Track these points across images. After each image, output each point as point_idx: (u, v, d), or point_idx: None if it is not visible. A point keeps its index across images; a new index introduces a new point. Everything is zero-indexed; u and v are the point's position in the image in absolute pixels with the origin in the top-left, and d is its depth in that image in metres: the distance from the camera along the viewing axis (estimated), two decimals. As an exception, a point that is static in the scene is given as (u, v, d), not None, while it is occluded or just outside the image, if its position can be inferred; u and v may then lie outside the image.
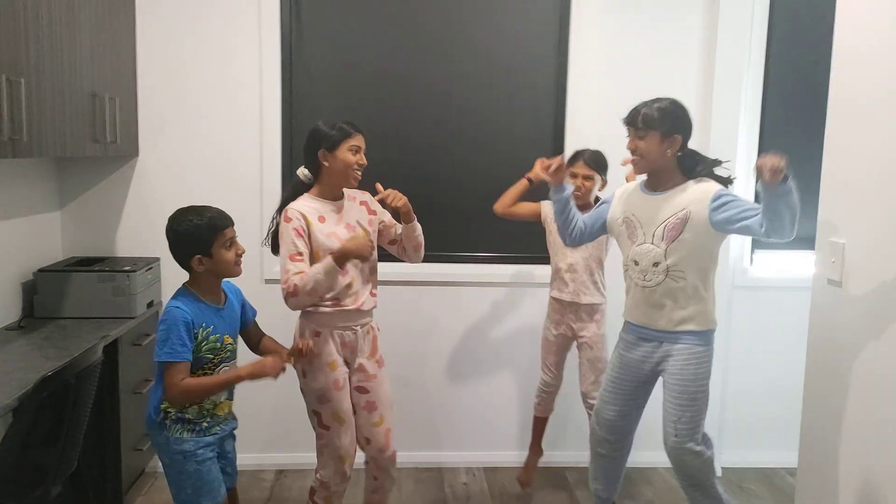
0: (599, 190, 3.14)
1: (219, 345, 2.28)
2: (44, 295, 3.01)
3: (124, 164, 3.40)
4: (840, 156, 2.25)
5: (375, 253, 2.70)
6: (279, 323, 3.53)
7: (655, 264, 2.42)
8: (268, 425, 3.62)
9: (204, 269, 2.24)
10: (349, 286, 2.59)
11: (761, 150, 3.67)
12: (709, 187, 2.43)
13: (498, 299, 3.66)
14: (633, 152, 2.46)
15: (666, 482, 3.60)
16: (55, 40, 2.58)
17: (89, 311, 3.01)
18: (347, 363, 2.68)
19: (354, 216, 2.67)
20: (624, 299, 2.64)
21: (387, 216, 2.76)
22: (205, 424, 2.29)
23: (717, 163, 2.53)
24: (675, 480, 3.60)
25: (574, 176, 3.05)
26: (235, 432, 2.47)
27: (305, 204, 2.59)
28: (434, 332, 3.62)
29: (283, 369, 2.33)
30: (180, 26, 3.36)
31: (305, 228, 2.54)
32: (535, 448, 3.43)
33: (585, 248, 3.08)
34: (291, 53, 3.48)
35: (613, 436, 2.70)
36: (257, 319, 2.56)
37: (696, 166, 2.49)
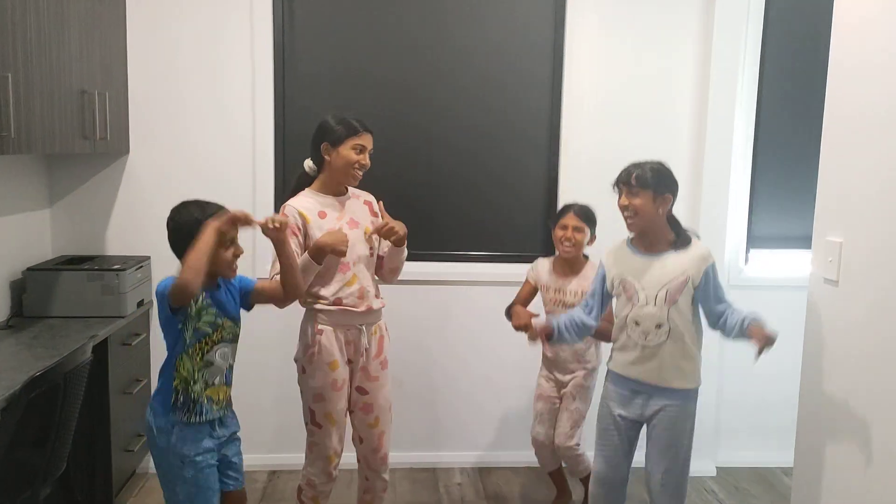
0: (588, 244, 3.05)
1: (219, 321, 2.23)
2: (33, 294, 2.98)
3: (114, 161, 3.37)
4: (837, 154, 2.24)
5: (376, 253, 2.68)
6: (275, 321, 3.52)
7: (658, 326, 2.45)
8: (260, 426, 3.59)
9: None
10: (349, 284, 2.57)
11: (756, 149, 3.67)
12: (706, 254, 2.49)
13: (492, 298, 3.63)
14: (625, 209, 2.47)
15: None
16: (43, 35, 2.54)
17: (79, 310, 2.97)
18: (351, 362, 2.65)
19: (358, 213, 2.65)
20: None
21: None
22: (203, 411, 2.21)
23: (695, 234, 2.57)
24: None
25: (564, 228, 3.00)
26: (239, 435, 2.40)
27: (305, 200, 2.60)
28: (428, 333, 3.60)
29: (233, 220, 2.14)
30: (171, 22, 3.33)
31: (301, 226, 2.54)
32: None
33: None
34: (284, 50, 3.45)
35: (607, 487, 2.69)
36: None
37: (680, 231, 2.53)
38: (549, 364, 3.13)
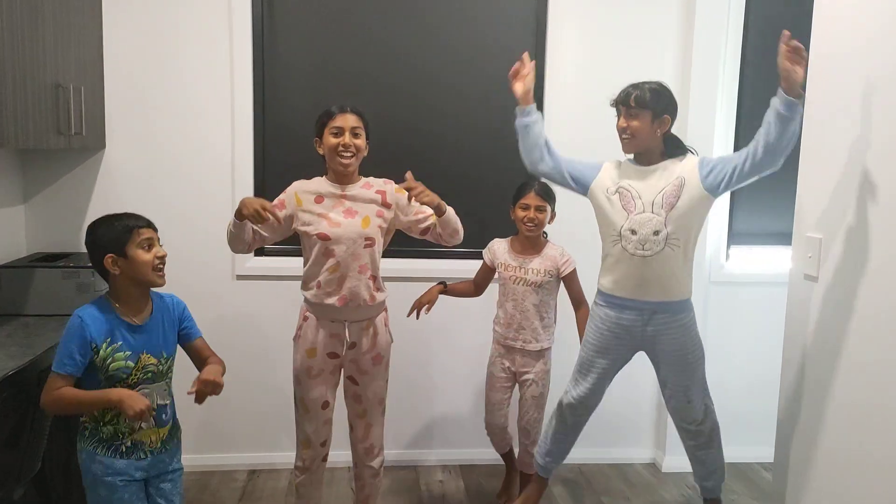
0: (549, 222, 3.05)
1: (132, 364, 2.11)
2: (6, 291, 2.93)
3: (90, 156, 3.32)
4: (817, 151, 2.24)
5: (378, 247, 2.64)
6: (248, 321, 3.50)
7: (656, 233, 2.45)
8: (240, 425, 3.56)
9: (119, 270, 2.10)
10: (332, 271, 2.57)
11: (737, 141, 3.68)
12: (694, 158, 2.55)
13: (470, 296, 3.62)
14: (623, 131, 2.49)
15: (643, 478, 3.60)
16: (16, 29, 2.49)
17: (53, 308, 2.92)
18: (337, 355, 2.65)
19: (362, 204, 2.63)
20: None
21: (413, 208, 2.67)
22: (124, 449, 2.13)
23: (694, 151, 2.64)
24: (651, 477, 3.62)
25: (526, 208, 2.99)
26: (178, 468, 2.30)
27: (312, 184, 2.68)
28: (408, 330, 3.57)
29: (145, 413, 2.00)
30: (148, 15, 3.28)
31: (290, 202, 2.65)
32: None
33: (525, 301, 3.00)
34: (263, 44, 3.41)
35: (583, 410, 2.75)
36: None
37: (678, 148, 2.57)
38: (506, 350, 3.09)
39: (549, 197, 3.02)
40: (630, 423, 3.78)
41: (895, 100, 1.90)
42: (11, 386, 2.17)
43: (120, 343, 2.10)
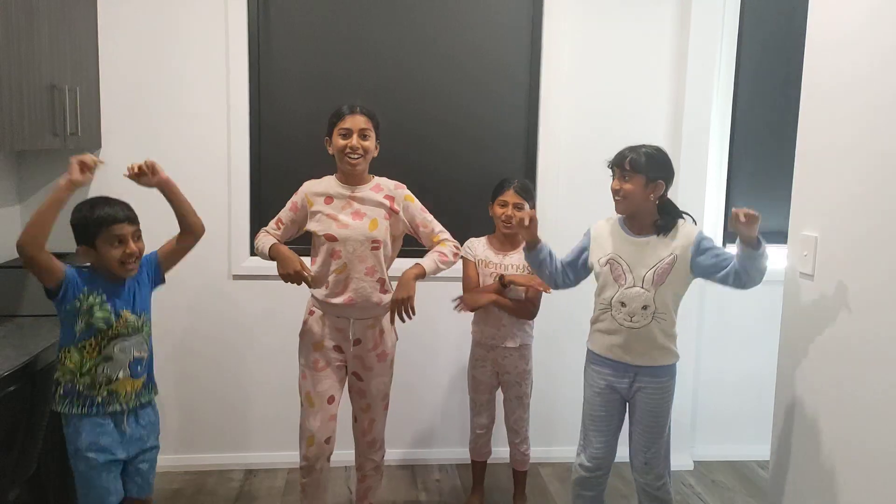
0: None
1: (113, 319, 2.24)
2: (1, 292, 2.92)
3: (86, 157, 3.31)
4: (812, 149, 2.25)
5: (386, 250, 2.67)
6: (245, 320, 3.50)
7: (644, 307, 2.45)
8: (237, 425, 3.56)
9: (90, 260, 2.25)
10: (339, 272, 2.60)
11: (732, 146, 3.69)
12: (690, 230, 2.50)
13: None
14: (616, 192, 2.48)
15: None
16: (12, 30, 2.49)
17: (48, 308, 2.87)
18: (342, 350, 2.69)
19: (370, 206, 2.65)
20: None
21: (417, 220, 2.73)
22: (100, 400, 2.23)
23: (690, 217, 2.59)
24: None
25: (504, 205, 2.99)
26: (155, 445, 2.44)
27: (322, 184, 2.70)
28: (402, 329, 3.58)
29: (86, 163, 2.17)
30: (143, 16, 3.27)
31: (302, 205, 2.69)
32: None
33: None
34: (259, 43, 3.40)
35: (601, 470, 2.68)
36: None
37: (672, 219, 2.52)
38: (486, 350, 3.08)
39: (527, 194, 3.02)
40: (627, 422, 3.77)
41: (889, 99, 1.90)
42: (6, 387, 2.16)
43: (103, 296, 2.23)
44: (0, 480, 2.25)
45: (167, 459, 3.46)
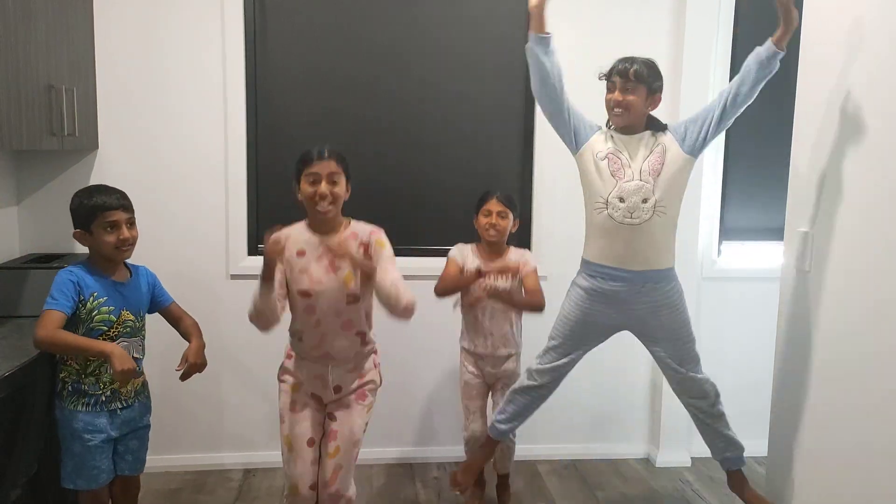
0: (512, 230, 3.05)
1: (114, 318, 2.33)
2: (0, 293, 2.92)
3: (83, 157, 3.31)
4: (808, 146, 2.26)
5: (364, 304, 2.51)
6: (243, 320, 3.47)
7: (645, 200, 2.42)
8: (236, 424, 3.56)
9: (86, 244, 2.35)
10: (316, 327, 2.47)
11: (728, 142, 3.70)
12: (671, 126, 2.55)
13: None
14: (617, 104, 2.44)
15: (636, 473, 3.62)
16: (9, 30, 2.49)
17: (48, 309, 2.92)
18: (320, 399, 2.56)
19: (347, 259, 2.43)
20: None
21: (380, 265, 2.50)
22: (103, 398, 2.35)
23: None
24: (645, 471, 3.63)
25: (488, 214, 2.98)
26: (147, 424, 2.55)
27: (294, 232, 2.48)
28: (400, 328, 3.58)
29: (130, 373, 2.18)
30: (140, 16, 3.27)
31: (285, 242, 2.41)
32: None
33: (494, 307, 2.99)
34: (255, 43, 3.40)
35: (552, 378, 2.70)
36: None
37: (657, 124, 2.56)
38: (476, 358, 3.09)
39: (511, 204, 3.02)
40: (624, 418, 3.79)
41: (884, 95, 1.91)
42: (6, 388, 2.16)
43: (105, 298, 2.32)
44: (1, 481, 2.24)
45: (166, 459, 3.47)
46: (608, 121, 2.59)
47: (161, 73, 3.32)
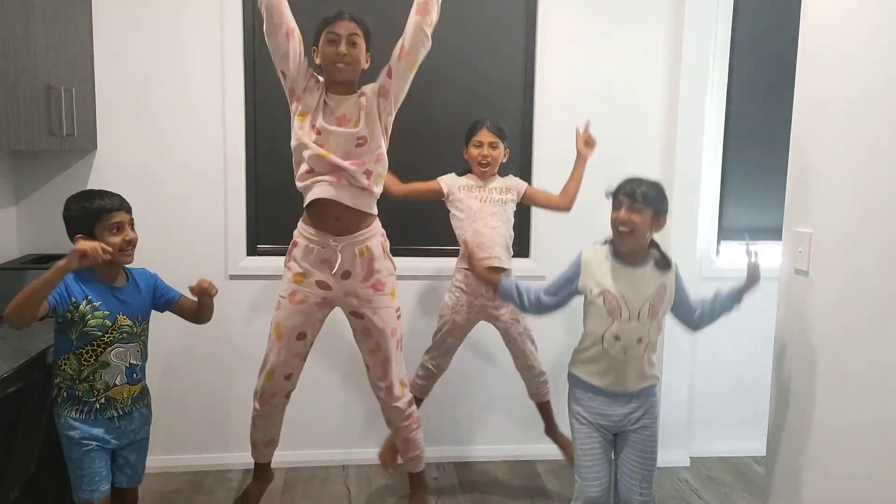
0: (503, 160, 3.06)
1: (108, 323, 2.25)
2: (-1, 294, 2.92)
3: (82, 157, 3.31)
4: (806, 145, 2.26)
5: (375, 143, 2.55)
6: (242, 320, 3.50)
7: (639, 340, 2.42)
8: (235, 425, 3.56)
9: None
10: (320, 157, 2.47)
11: (727, 142, 3.70)
12: (674, 264, 2.51)
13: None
14: (623, 224, 2.38)
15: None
16: (8, 31, 2.49)
17: (46, 309, 2.91)
18: (329, 287, 2.52)
19: (350, 109, 2.53)
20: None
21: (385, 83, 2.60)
22: (98, 406, 2.28)
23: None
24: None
25: (479, 145, 3.00)
26: (145, 436, 2.46)
27: (313, 95, 2.55)
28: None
29: (96, 249, 2.10)
30: (139, 16, 3.27)
31: (306, 77, 2.55)
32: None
33: (494, 219, 3.01)
34: (255, 43, 3.40)
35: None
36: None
37: (660, 249, 2.50)
38: (472, 299, 3.04)
39: (501, 133, 3.03)
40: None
41: (883, 94, 1.91)
42: (5, 388, 2.16)
43: (99, 303, 2.25)
44: (0, 483, 2.25)
45: (165, 460, 3.47)
46: (608, 240, 2.52)
47: (160, 73, 3.32)
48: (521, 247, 3.56)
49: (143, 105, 3.32)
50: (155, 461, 3.29)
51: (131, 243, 2.32)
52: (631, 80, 3.59)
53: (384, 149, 2.60)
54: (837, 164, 2.09)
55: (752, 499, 3.40)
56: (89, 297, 2.24)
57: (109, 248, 2.18)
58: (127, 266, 2.40)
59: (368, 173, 2.54)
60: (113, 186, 3.29)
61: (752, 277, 2.40)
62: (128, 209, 2.36)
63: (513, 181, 3.13)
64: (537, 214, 3.62)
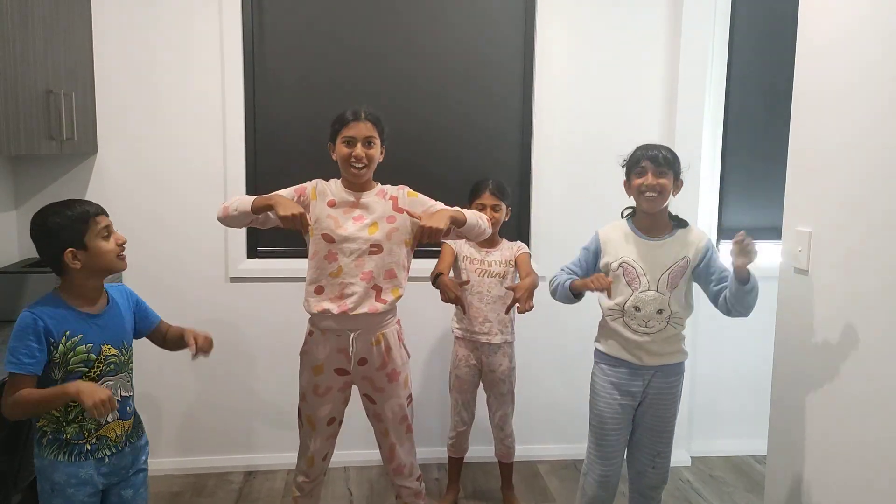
0: (505, 219, 3.08)
1: (94, 356, 2.01)
2: (-1, 297, 2.92)
3: (82, 161, 3.31)
4: (805, 144, 2.26)
5: (393, 256, 2.52)
6: (242, 323, 3.50)
7: (660, 311, 2.43)
8: (236, 427, 3.56)
9: (80, 264, 1.98)
10: (334, 275, 2.47)
11: (726, 141, 3.70)
12: (702, 234, 2.52)
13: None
14: (651, 188, 2.41)
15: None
16: (7, 35, 2.49)
17: (47, 313, 2.91)
18: (346, 372, 2.55)
19: (373, 212, 2.52)
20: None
21: (427, 203, 2.60)
22: (88, 447, 2.02)
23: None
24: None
25: (482, 208, 3.00)
26: (144, 467, 2.21)
27: (330, 185, 2.57)
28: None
29: (106, 403, 1.85)
30: (138, 19, 3.27)
31: (307, 195, 2.53)
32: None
33: (490, 294, 3.02)
34: (254, 49, 3.41)
35: (611, 490, 2.61)
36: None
37: (678, 219, 2.54)
38: (469, 351, 3.11)
39: (503, 195, 3.05)
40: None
41: (883, 93, 1.92)
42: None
43: (80, 336, 1.99)
44: (2, 486, 2.24)
45: (166, 462, 3.47)
46: (624, 211, 2.57)
47: (159, 78, 3.32)
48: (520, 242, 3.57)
49: (142, 109, 3.32)
50: (157, 464, 3.29)
51: (123, 246, 2.10)
52: (629, 80, 3.59)
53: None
54: (838, 162, 2.09)
55: (753, 498, 3.40)
56: (68, 333, 1.97)
57: (116, 404, 1.94)
58: (105, 284, 2.14)
59: (378, 289, 2.55)
60: (113, 190, 3.33)
61: (739, 277, 2.33)
62: (106, 213, 2.09)
63: (513, 249, 3.09)
64: (538, 214, 3.62)
